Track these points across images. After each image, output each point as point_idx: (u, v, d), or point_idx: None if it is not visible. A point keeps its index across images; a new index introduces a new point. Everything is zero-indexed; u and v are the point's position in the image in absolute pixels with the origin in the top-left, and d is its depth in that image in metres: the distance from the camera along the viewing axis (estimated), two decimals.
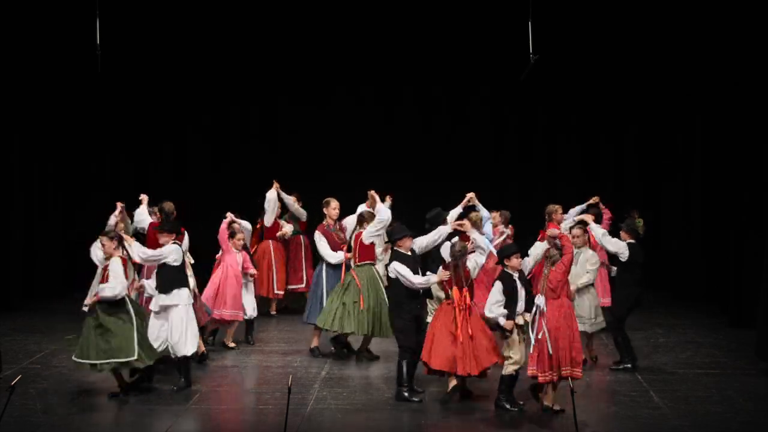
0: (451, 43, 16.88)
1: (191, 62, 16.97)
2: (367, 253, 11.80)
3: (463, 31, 16.75)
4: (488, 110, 17.74)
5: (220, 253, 12.54)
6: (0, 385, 9.87)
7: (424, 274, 10.26)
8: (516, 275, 9.74)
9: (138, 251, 10.47)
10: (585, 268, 11.33)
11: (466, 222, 10.53)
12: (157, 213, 12.20)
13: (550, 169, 17.66)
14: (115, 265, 10.00)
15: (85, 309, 10.20)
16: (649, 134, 17.18)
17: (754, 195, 13.34)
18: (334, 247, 12.42)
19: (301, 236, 14.87)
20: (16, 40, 15.12)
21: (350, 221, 12.56)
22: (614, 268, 11.70)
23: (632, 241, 11.37)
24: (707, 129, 15.65)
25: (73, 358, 10.11)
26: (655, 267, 14.74)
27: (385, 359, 11.74)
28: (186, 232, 11.62)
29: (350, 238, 12.32)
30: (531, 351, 9.56)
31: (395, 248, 10.30)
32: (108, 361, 9.92)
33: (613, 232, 11.93)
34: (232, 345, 12.50)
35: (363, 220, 11.92)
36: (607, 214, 13.32)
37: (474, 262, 9.98)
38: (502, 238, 12.61)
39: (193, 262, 11.34)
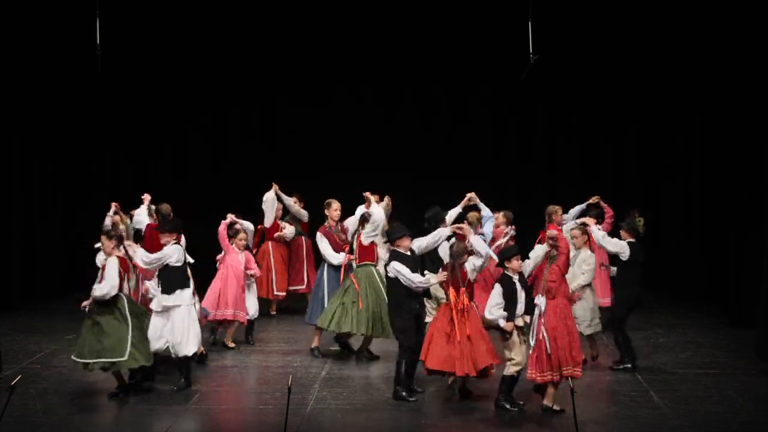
0: (451, 43, 16.88)
1: (191, 62, 16.98)
2: (366, 253, 11.81)
3: (463, 31, 16.75)
4: (488, 110, 17.74)
5: (222, 253, 12.54)
6: (0, 385, 9.87)
7: (422, 275, 10.27)
8: (516, 277, 9.75)
9: (141, 256, 10.46)
10: (582, 269, 11.33)
11: (465, 226, 10.54)
12: (154, 215, 12.19)
13: (550, 169, 17.66)
14: (110, 265, 10.00)
15: (85, 309, 10.19)
16: (649, 134, 17.18)
17: (754, 195, 13.34)
18: (336, 248, 12.43)
19: (303, 237, 14.85)
20: (17, 40, 15.12)
21: (352, 222, 12.56)
22: (614, 269, 11.70)
23: (632, 240, 11.38)
24: (707, 129, 15.65)
25: (72, 357, 10.13)
26: (655, 267, 14.74)
27: (385, 359, 11.74)
28: (183, 232, 11.60)
29: (352, 238, 12.33)
30: (531, 352, 9.58)
31: (394, 248, 10.31)
32: (97, 360, 9.93)
33: (614, 231, 11.93)
34: (232, 345, 12.50)
35: (364, 220, 11.92)
36: (608, 213, 13.30)
37: (472, 264, 9.98)
38: (506, 238, 12.61)
39: (192, 261, 11.33)
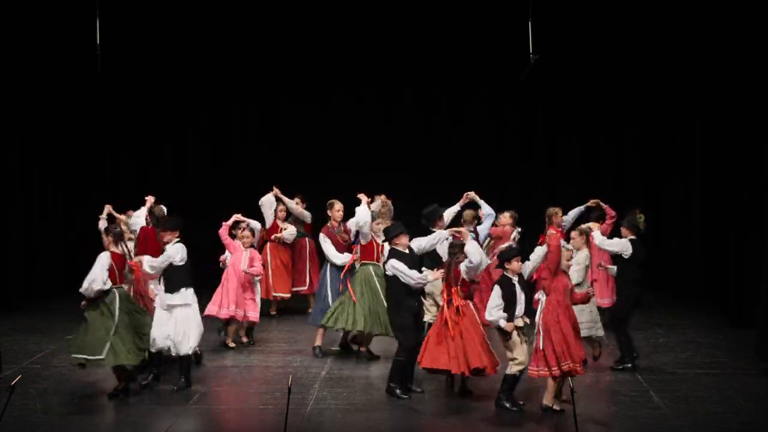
0: (451, 43, 16.88)
1: (191, 62, 16.98)
2: (366, 253, 11.81)
3: (463, 31, 16.75)
4: (488, 110, 17.74)
5: (225, 254, 12.56)
6: (0, 385, 9.87)
7: (420, 272, 10.31)
8: (515, 279, 9.78)
9: (148, 264, 10.46)
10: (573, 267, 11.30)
11: (464, 230, 10.56)
12: (148, 216, 12.16)
13: (550, 169, 17.66)
14: (97, 260, 10.03)
15: (84, 308, 10.20)
16: (649, 134, 17.18)
17: (754, 195, 13.34)
18: (339, 249, 12.45)
19: (306, 238, 14.85)
20: (17, 40, 15.12)
21: (353, 223, 12.55)
22: (614, 268, 11.69)
23: (633, 237, 11.38)
24: (707, 129, 15.65)
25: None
26: (655, 267, 14.74)
27: (385, 359, 11.72)
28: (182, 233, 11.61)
29: (355, 239, 12.35)
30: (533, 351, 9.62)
31: (392, 246, 10.34)
32: (76, 355, 9.97)
33: (615, 231, 11.92)
34: (233, 345, 12.51)
35: (372, 219, 11.92)
36: (610, 214, 13.27)
37: (465, 265, 10.02)
38: (514, 243, 12.60)
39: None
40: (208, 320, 12.00)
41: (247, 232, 12.51)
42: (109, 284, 10.02)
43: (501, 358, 10.11)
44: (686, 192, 16.49)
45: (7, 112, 15.21)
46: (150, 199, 12.47)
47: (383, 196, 12.45)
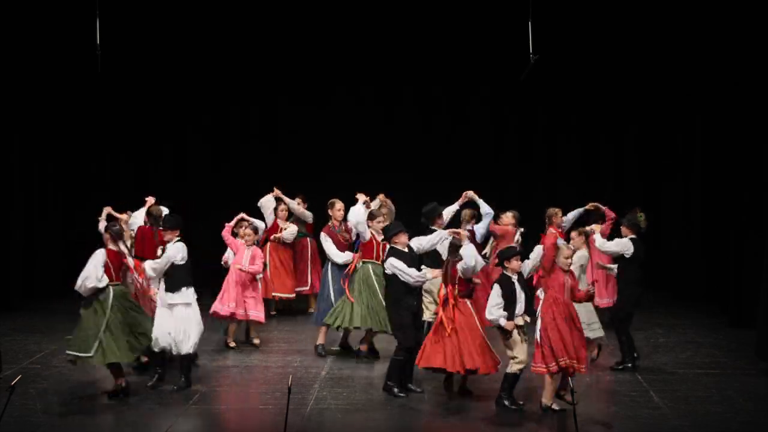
0: (451, 43, 16.87)
1: (191, 62, 16.96)
2: (366, 251, 11.83)
3: (463, 31, 16.74)
4: (488, 110, 17.73)
5: (226, 254, 12.57)
6: (0, 385, 9.87)
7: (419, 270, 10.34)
8: (515, 277, 9.80)
9: (150, 267, 10.45)
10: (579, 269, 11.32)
11: (462, 231, 10.58)
12: (146, 216, 12.17)
13: (550, 169, 17.65)
14: (91, 258, 10.03)
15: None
16: (649, 134, 17.17)
17: (754, 195, 13.34)
18: (340, 248, 12.46)
19: (308, 238, 14.84)
20: (17, 40, 15.12)
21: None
22: (614, 267, 11.69)
23: (633, 236, 11.37)
24: (707, 129, 15.65)
25: None
26: (655, 267, 14.74)
27: (385, 359, 11.71)
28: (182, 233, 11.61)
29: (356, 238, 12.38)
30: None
31: (391, 244, 10.35)
32: (68, 352, 10.01)
33: (615, 231, 11.91)
34: (232, 345, 12.51)
35: (372, 217, 11.94)
36: (609, 215, 13.25)
37: (461, 266, 10.05)
38: (518, 242, 12.64)
39: None
40: (208, 320, 12.01)
41: (248, 230, 12.52)
42: (104, 282, 10.02)
43: (501, 356, 10.12)
44: (686, 192, 16.49)
45: (7, 112, 15.21)
46: (150, 200, 12.49)
47: (381, 195, 12.46)
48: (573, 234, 11.55)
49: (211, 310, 12.19)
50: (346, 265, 12.21)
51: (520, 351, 9.72)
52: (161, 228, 11.01)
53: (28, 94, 15.65)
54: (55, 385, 10.76)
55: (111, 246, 10.21)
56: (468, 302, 10.16)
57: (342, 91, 17.55)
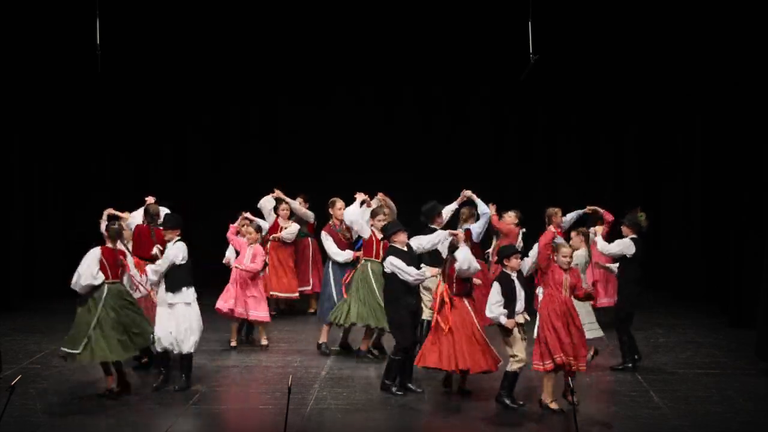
0: (451, 43, 16.87)
1: (191, 62, 16.96)
2: (366, 248, 11.85)
3: (463, 31, 16.74)
4: (488, 110, 17.73)
5: (227, 254, 12.57)
6: (0, 385, 9.87)
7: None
8: (514, 275, 9.81)
9: (152, 271, 10.43)
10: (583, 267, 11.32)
11: (459, 233, 10.58)
12: (143, 215, 12.17)
13: (550, 169, 17.65)
14: (89, 254, 10.07)
15: None
16: (649, 134, 17.17)
17: (754, 195, 13.34)
18: (341, 246, 12.48)
19: (309, 238, 14.84)
20: (17, 40, 15.12)
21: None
22: (614, 266, 11.68)
23: (634, 236, 11.37)
24: (707, 129, 15.65)
25: None
26: (655, 267, 14.74)
27: (385, 359, 11.73)
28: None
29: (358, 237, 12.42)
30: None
31: (391, 243, 10.37)
32: (61, 348, 10.05)
33: (615, 232, 11.90)
34: (234, 344, 12.52)
35: (374, 215, 11.95)
36: (608, 218, 13.23)
37: (458, 266, 10.07)
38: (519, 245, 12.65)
39: None
40: (209, 320, 12.01)
41: (250, 228, 12.53)
42: (100, 279, 10.03)
43: (501, 355, 10.13)
44: (686, 192, 16.48)
45: (7, 112, 15.20)
46: (150, 200, 12.49)
47: (380, 194, 12.46)
48: (572, 234, 11.55)
49: (215, 307, 12.26)
50: (346, 264, 12.23)
51: (519, 349, 9.73)
52: (160, 227, 11.01)
53: (28, 94, 15.64)
54: (55, 385, 10.77)
55: (109, 244, 10.21)
56: (466, 301, 10.17)
57: (342, 91, 17.56)
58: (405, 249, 10.37)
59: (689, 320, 14.34)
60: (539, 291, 9.90)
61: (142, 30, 16.26)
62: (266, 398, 10.27)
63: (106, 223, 12.00)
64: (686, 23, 15.54)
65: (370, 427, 9.41)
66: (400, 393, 10.25)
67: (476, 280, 10.40)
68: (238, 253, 12.54)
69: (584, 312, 11.00)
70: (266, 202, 14.51)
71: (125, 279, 10.42)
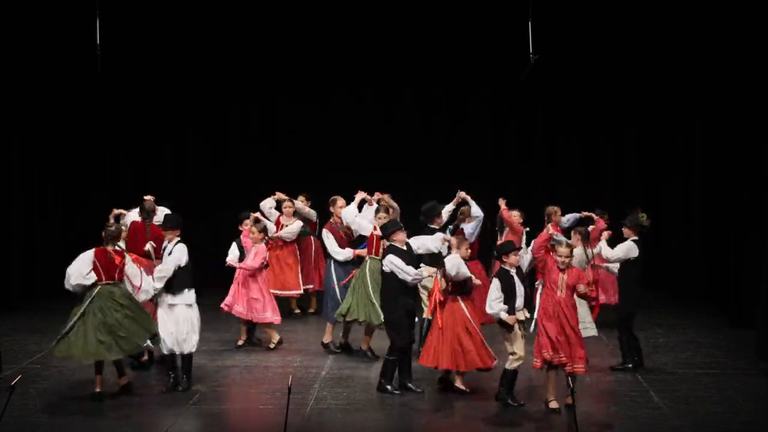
0: (451, 43, 16.87)
1: (191, 62, 16.96)
2: (368, 246, 11.86)
3: (463, 31, 16.74)
4: (488, 110, 17.73)
5: (229, 256, 12.58)
6: (0, 385, 9.87)
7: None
8: (513, 271, 9.82)
9: (158, 279, 10.39)
10: (580, 265, 11.30)
11: (452, 239, 10.59)
12: (140, 212, 12.15)
13: (550, 169, 17.65)
14: (81, 255, 10.14)
15: None
16: (649, 134, 17.17)
17: (754, 195, 13.34)
18: (341, 244, 12.49)
19: (311, 237, 14.84)
20: (17, 40, 15.12)
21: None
22: (614, 267, 11.68)
23: (636, 237, 11.37)
24: (707, 129, 15.65)
25: None
26: (655, 267, 14.74)
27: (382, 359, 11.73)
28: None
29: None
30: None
31: (390, 242, 10.37)
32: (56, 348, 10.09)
33: (616, 233, 11.91)
34: (240, 343, 12.53)
35: (377, 212, 11.97)
36: (599, 226, 13.21)
37: (447, 271, 10.11)
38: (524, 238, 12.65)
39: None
40: (209, 320, 12.03)
41: (253, 228, 12.54)
42: (90, 280, 10.06)
43: (500, 354, 10.13)
44: (686, 192, 16.48)
45: (7, 112, 15.20)
46: (149, 199, 12.48)
47: (379, 194, 12.47)
48: (572, 233, 11.56)
49: (220, 306, 12.34)
50: (348, 262, 12.24)
51: (519, 347, 9.74)
52: (156, 224, 11.00)
53: (28, 94, 15.64)
54: (55, 385, 10.77)
55: (107, 246, 10.21)
56: (461, 300, 10.16)
57: (342, 91, 17.56)
58: (404, 248, 10.38)
59: (689, 320, 14.34)
60: (539, 283, 9.91)
61: (142, 30, 16.26)
62: (266, 398, 10.27)
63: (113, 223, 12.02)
64: (686, 23, 15.53)
65: (370, 427, 9.42)
66: (397, 392, 10.26)
67: (476, 280, 10.39)
68: (241, 254, 12.52)
69: (583, 311, 11.02)
70: (267, 203, 14.50)
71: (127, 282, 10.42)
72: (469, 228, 12.45)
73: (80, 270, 10.04)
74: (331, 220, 12.88)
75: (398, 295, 10.25)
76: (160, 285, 10.39)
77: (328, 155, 17.23)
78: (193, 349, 10.54)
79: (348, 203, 12.48)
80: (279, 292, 14.51)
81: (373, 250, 11.69)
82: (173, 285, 10.41)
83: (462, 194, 12.31)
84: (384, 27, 16.73)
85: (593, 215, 13.45)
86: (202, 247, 12.68)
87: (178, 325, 10.41)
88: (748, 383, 10.75)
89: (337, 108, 17.52)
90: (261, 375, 11.33)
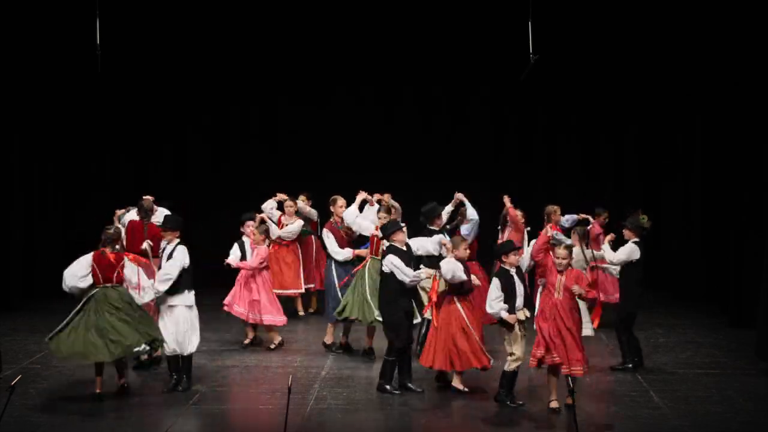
0: (451, 43, 16.87)
1: (191, 62, 16.96)
2: (370, 246, 11.86)
3: (463, 31, 16.74)
4: (488, 110, 17.74)
5: (230, 256, 12.58)
6: (0, 385, 9.87)
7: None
8: (513, 271, 9.82)
9: (162, 282, 10.38)
10: (579, 265, 11.31)
11: (448, 243, 10.59)
12: (139, 211, 12.16)
13: (550, 169, 17.66)
14: (80, 258, 10.19)
15: None
16: (649, 134, 17.17)
17: (754, 195, 13.34)
18: (341, 244, 12.50)
19: (312, 236, 14.84)
20: (17, 40, 15.12)
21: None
22: (614, 268, 11.68)
23: (637, 239, 11.37)
24: (707, 129, 15.65)
25: None
26: (655, 267, 14.73)
27: (381, 359, 11.72)
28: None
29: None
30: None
31: (390, 242, 10.37)
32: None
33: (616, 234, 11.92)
34: (246, 341, 12.56)
35: (378, 212, 11.98)
36: (595, 230, 13.20)
37: (442, 275, 10.12)
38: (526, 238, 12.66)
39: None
40: (209, 320, 12.03)
41: (254, 229, 12.54)
42: (86, 282, 10.09)
43: (500, 354, 10.13)
44: (686, 192, 16.48)
45: (7, 112, 15.20)
46: (148, 198, 12.48)
47: (379, 195, 12.47)
48: (572, 232, 11.57)
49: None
50: (348, 262, 12.24)
51: (518, 347, 9.74)
52: (154, 222, 11.00)
53: (28, 94, 15.64)
54: (55, 385, 10.78)
55: (106, 248, 10.21)
56: (457, 300, 10.15)
57: (342, 91, 17.56)
58: (404, 248, 10.38)
59: (689, 320, 14.34)
60: (540, 283, 9.93)
61: (142, 30, 16.26)
62: (266, 398, 10.27)
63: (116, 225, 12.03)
64: (686, 23, 15.53)
65: (370, 427, 9.42)
66: (397, 392, 10.26)
67: (476, 281, 10.39)
68: (242, 255, 12.52)
69: (581, 310, 11.04)
70: (268, 205, 14.48)
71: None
72: (465, 229, 12.46)
73: (76, 273, 10.10)
74: (332, 220, 12.88)
75: (398, 297, 10.26)
76: (163, 288, 10.35)
77: (328, 155, 17.23)
78: (194, 350, 10.54)
79: (349, 203, 12.49)
80: (279, 291, 14.52)
81: (374, 250, 11.70)
82: (174, 286, 10.40)
83: (459, 196, 12.33)
84: (384, 27, 16.73)
85: (590, 217, 13.45)
86: (202, 247, 12.66)
87: (178, 325, 10.42)
88: (748, 383, 10.75)
89: (337, 108, 17.52)
90: (261, 375, 11.33)
